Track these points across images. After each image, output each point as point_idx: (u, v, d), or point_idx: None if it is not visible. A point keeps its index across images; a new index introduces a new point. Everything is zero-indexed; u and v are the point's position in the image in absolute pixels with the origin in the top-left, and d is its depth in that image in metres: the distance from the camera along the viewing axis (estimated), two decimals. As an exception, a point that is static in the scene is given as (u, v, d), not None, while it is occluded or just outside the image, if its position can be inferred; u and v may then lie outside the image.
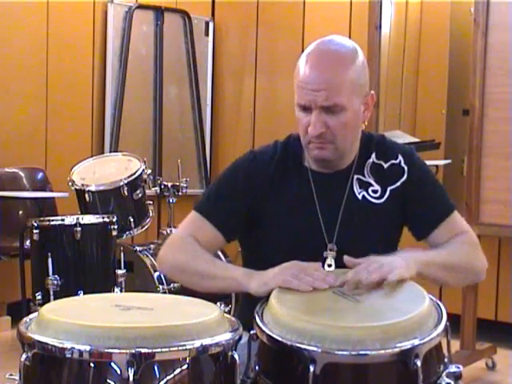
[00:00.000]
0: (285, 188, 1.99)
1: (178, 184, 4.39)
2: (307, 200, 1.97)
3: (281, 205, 1.98)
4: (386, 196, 1.99)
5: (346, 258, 1.78)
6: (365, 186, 2.00)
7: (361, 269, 1.72)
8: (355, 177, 2.00)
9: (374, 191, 2.00)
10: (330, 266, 1.92)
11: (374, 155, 2.02)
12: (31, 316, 1.65)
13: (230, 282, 1.88)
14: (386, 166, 2.02)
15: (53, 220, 3.72)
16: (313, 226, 1.96)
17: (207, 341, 1.51)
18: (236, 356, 1.55)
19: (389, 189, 2.00)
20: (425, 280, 1.85)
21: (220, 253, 4.10)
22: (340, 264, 1.88)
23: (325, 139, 1.90)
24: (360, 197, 1.99)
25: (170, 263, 1.99)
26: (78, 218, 3.67)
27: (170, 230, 4.31)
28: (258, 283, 1.79)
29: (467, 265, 1.97)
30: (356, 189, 2.00)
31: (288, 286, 1.71)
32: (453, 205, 2.05)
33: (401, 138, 4.35)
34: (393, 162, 2.01)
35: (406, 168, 2.01)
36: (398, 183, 2.00)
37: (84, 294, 3.39)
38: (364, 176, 2.01)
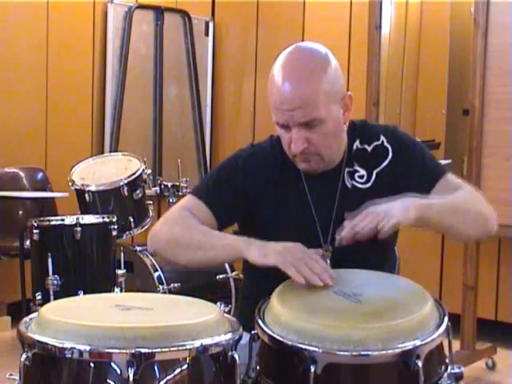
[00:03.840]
0: (281, 186, 1.98)
1: (178, 184, 4.38)
2: (301, 199, 1.97)
3: (276, 204, 1.97)
4: (372, 180, 1.97)
5: (347, 215, 1.76)
6: (352, 174, 1.99)
7: (357, 221, 1.71)
8: (346, 169, 1.99)
9: (361, 176, 1.98)
10: None
11: (357, 141, 2.00)
12: (31, 316, 1.65)
13: (228, 249, 1.83)
14: (369, 148, 2.00)
15: (53, 220, 3.71)
16: (308, 226, 1.95)
17: (207, 341, 1.51)
18: (236, 356, 1.55)
19: (375, 172, 1.98)
20: (428, 227, 1.80)
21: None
22: (336, 264, 1.88)
23: (309, 153, 1.89)
24: (350, 186, 1.98)
25: (165, 237, 1.91)
26: (77, 218, 3.67)
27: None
28: (258, 252, 1.76)
29: (474, 208, 1.89)
30: (347, 181, 1.98)
31: (284, 270, 1.69)
32: (443, 168, 2.00)
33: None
34: (376, 143, 1.99)
35: (389, 146, 1.99)
36: (385, 163, 1.98)
37: (84, 293, 3.38)
38: (353, 165, 1.99)
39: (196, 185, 2.08)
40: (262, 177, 1.98)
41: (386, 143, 1.99)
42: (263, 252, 1.75)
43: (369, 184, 1.97)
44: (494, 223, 1.94)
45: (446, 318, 1.61)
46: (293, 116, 1.84)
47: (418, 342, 1.50)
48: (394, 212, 1.72)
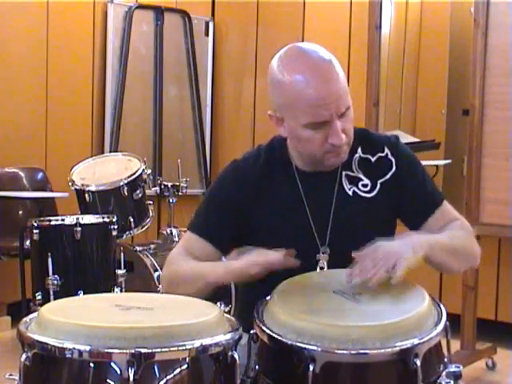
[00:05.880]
0: (273, 191, 1.98)
1: (178, 184, 4.38)
2: (296, 202, 1.96)
3: (270, 209, 1.97)
4: (376, 189, 1.98)
5: (355, 255, 1.76)
6: (355, 181, 1.99)
7: (368, 266, 1.70)
8: (343, 173, 1.99)
9: (364, 185, 1.99)
10: (322, 268, 1.92)
11: (360, 150, 2.00)
12: (31, 316, 1.65)
13: (214, 274, 1.91)
14: (373, 159, 2.00)
15: (53, 220, 3.71)
16: (304, 229, 1.95)
17: (207, 341, 1.51)
18: (236, 356, 1.55)
19: (379, 182, 1.99)
20: (429, 264, 1.83)
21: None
22: (333, 266, 1.87)
23: (345, 144, 1.89)
24: (351, 192, 1.98)
25: (166, 279, 2.01)
26: (77, 218, 3.67)
27: (170, 230, 4.31)
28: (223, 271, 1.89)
29: (467, 249, 1.96)
30: (346, 185, 1.98)
31: (248, 270, 1.80)
32: (442, 194, 2.05)
33: (401, 138, 4.34)
34: (380, 154, 2.00)
35: (393, 160, 2.00)
36: (388, 176, 1.99)
37: (84, 293, 3.38)
38: (353, 171, 1.99)
39: (192, 218, 2.08)
40: (251, 186, 1.97)
41: (390, 156, 2.00)
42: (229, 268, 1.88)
43: (373, 193, 1.98)
44: (478, 259, 2.01)
45: (444, 317, 1.61)
46: (337, 108, 1.83)
47: (416, 341, 1.50)
48: (404, 255, 1.72)
